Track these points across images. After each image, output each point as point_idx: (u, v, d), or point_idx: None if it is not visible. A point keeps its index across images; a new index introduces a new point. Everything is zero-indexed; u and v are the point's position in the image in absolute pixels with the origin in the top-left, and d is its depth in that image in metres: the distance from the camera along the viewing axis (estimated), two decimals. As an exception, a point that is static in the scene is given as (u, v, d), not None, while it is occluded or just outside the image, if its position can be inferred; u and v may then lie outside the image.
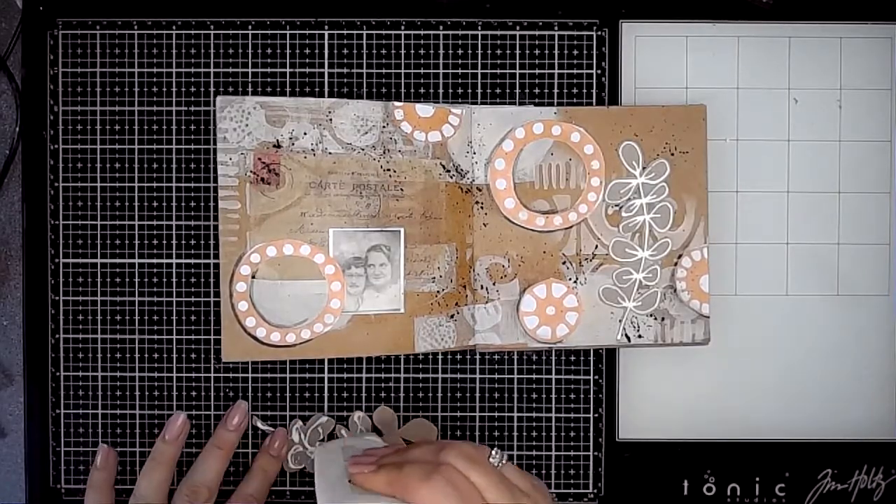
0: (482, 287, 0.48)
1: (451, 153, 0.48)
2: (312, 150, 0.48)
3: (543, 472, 0.50)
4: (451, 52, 0.49)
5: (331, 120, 0.48)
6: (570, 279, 0.48)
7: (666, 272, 0.48)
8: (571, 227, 0.48)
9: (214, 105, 0.48)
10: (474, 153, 0.48)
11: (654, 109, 0.48)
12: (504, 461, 0.40)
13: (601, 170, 0.48)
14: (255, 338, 0.48)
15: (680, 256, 0.48)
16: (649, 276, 0.48)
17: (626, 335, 0.48)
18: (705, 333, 0.48)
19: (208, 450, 0.48)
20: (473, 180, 0.48)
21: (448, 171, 0.48)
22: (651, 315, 0.48)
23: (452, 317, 0.48)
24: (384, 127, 0.48)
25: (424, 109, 0.48)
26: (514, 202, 0.48)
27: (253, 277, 0.48)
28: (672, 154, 0.48)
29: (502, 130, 0.48)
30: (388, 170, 0.48)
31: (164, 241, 0.49)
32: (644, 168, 0.48)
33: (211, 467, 0.47)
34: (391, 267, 0.48)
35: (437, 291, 0.48)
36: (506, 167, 0.48)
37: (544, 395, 0.50)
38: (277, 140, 0.47)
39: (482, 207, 0.48)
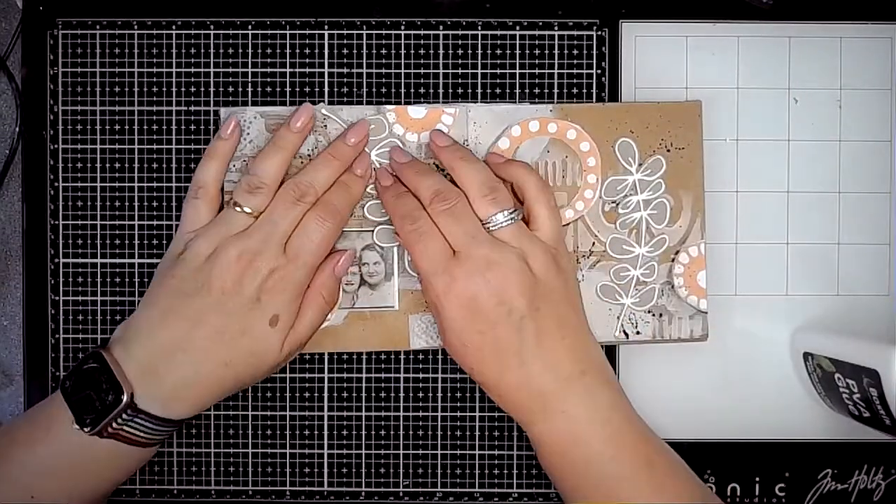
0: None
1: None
2: (309, 155, 0.48)
3: (543, 472, 0.50)
4: (450, 52, 0.49)
5: (325, 126, 0.48)
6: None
7: (663, 268, 0.48)
8: (568, 224, 0.48)
9: (213, 111, 0.48)
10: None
11: (649, 106, 0.48)
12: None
13: (597, 167, 0.48)
14: None
15: (677, 252, 0.48)
16: (647, 273, 0.48)
17: (625, 331, 0.48)
18: (703, 329, 0.48)
19: (324, 156, 0.47)
20: (471, 179, 0.48)
21: (442, 170, 0.48)
22: (649, 311, 0.48)
23: (450, 315, 0.48)
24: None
25: (416, 111, 0.48)
26: (511, 201, 0.48)
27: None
28: (668, 150, 0.48)
29: (498, 128, 0.48)
30: None
31: (164, 242, 0.49)
32: (640, 165, 0.48)
33: (322, 172, 0.46)
34: (385, 265, 0.48)
35: (435, 290, 0.48)
36: (503, 166, 0.48)
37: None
38: None
39: (480, 206, 0.48)
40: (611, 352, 0.50)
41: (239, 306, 0.43)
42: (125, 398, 0.41)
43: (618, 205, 0.48)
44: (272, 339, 0.44)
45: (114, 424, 0.42)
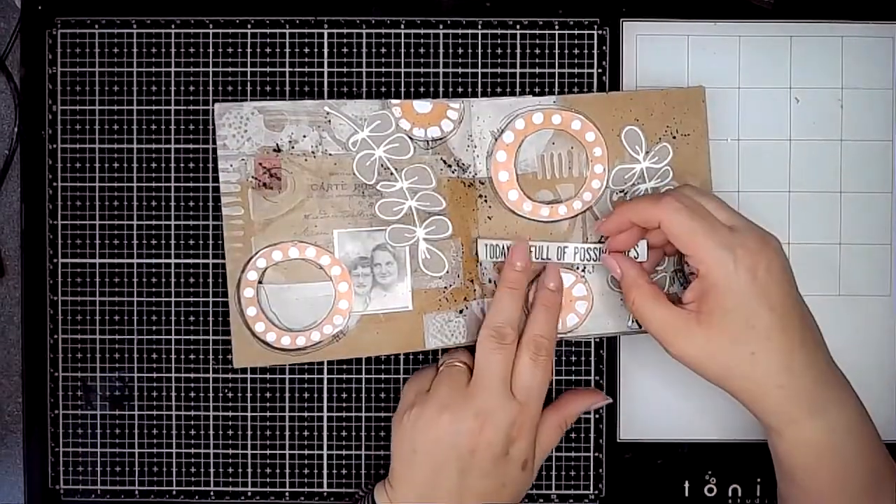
0: (490, 281, 0.48)
1: (452, 148, 0.48)
2: (312, 152, 0.47)
3: (544, 472, 0.50)
4: (451, 51, 0.49)
5: (329, 121, 0.48)
6: (577, 268, 0.48)
7: (673, 256, 0.48)
8: (577, 215, 0.48)
9: (213, 110, 0.48)
10: (475, 147, 0.48)
11: (653, 93, 0.48)
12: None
13: (604, 156, 0.48)
14: (265, 343, 0.47)
15: None
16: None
17: (636, 321, 0.48)
18: None
19: (501, 291, 0.47)
20: (476, 174, 0.48)
21: (449, 165, 0.48)
22: None
23: (461, 312, 0.48)
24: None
25: (422, 106, 0.48)
26: (517, 194, 0.48)
27: (260, 282, 0.47)
28: (674, 137, 0.48)
29: (502, 122, 0.48)
30: (388, 168, 0.48)
31: (164, 241, 0.49)
32: (647, 152, 0.48)
33: (507, 306, 0.46)
34: (397, 265, 0.48)
35: (445, 287, 0.48)
36: (507, 159, 0.48)
37: (545, 395, 0.49)
38: (277, 144, 0.47)
39: (486, 201, 0.48)
40: (612, 353, 0.50)
41: (491, 463, 0.44)
42: None
43: (626, 193, 0.48)
44: (527, 478, 0.46)
45: None
